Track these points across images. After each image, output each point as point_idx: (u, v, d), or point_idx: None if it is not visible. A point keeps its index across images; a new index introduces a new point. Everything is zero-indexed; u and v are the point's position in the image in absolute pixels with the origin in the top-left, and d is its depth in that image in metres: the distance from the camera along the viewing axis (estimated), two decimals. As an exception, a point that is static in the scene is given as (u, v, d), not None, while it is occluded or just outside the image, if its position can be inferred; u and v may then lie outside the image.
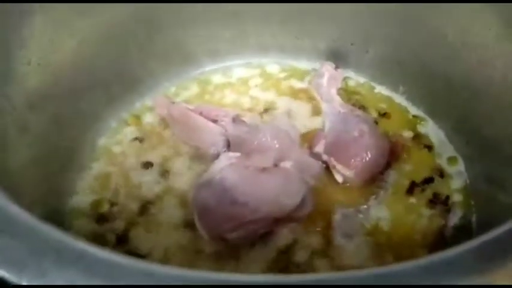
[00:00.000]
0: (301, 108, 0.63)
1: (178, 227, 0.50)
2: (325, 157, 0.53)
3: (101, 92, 0.59)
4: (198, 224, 0.48)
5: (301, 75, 0.68)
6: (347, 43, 0.66)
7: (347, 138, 0.53)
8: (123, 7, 0.56)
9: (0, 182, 0.31)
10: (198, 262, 0.48)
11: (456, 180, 0.55)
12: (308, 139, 0.57)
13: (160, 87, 0.66)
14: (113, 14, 0.56)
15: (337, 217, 0.51)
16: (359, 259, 0.48)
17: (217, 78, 0.68)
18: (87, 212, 0.52)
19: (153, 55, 0.64)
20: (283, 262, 0.47)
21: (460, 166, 0.57)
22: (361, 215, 0.51)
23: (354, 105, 0.61)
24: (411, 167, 0.56)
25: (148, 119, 0.62)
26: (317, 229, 0.50)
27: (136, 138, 0.60)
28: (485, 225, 0.49)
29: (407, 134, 0.60)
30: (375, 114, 0.62)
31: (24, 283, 0.23)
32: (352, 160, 0.51)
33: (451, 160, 0.57)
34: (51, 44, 0.50)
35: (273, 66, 0.70)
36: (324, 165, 0.54)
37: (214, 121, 0.56)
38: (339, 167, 0.52)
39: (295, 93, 0.65)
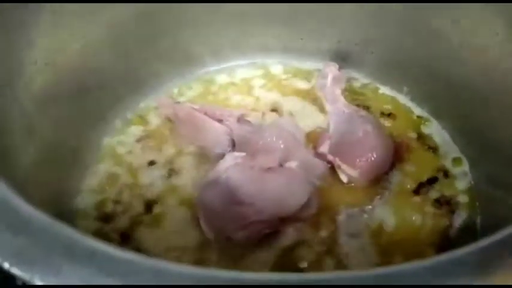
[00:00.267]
0: (305, 109, 0.63)
1: (183, 226, 0.50)
2: (330, 157, 0.53)
3: (106, 92, 0.59)
4: (203, 224, 0.48)
5: (305, 75, 0.68)
6: (351, 44, 0.66)
7: (352, 139, 0.53)
8: (129, 8, 0.57)
9: (10, 182, 0.31)
10: (203, 262, 0.48)
11: (461, 181, 0.55)
12: (312, 139, 0.58)
13: (165, 88, 0.66)
14: (119, 14, 0.56)
15: (342, 217, 0.51)
16: (364, 259, 0.48)
17: (221, 79, 0.68)
18: (91, 211, 0.52)
19: (157, 55, 0.64)
20: (288, 262, 0.47)
21: (465, 167, 0.57)
22: (366, 215, 0.51)
23: (358, 105, 0.61)
24: (415, 168, 0.56)
25: (153, 119, 0.62)
26: (322, 229, 0.50)
27: (141, 138, 0.60)
28: (490, 227, 0.49)
29: (412, 134, 0.60)
30: (379, 115, 0.62)
31: (37, 282, 0.23)
32: (357, 160, 0.51)
33: (456, 161, 0.57)
34: (58, 44, 0.50)
35: (277, 66, 0.70)
36: (329, 166, 0.54)
37: (219, 121, 0.57)
38: (344, 167, 0.52)
39: (299, 94, 0.65)
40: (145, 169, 0.56)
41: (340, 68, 0.64)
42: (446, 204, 0.53)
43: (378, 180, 0.53)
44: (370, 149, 0.52)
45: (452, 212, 0.52)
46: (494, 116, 0.52)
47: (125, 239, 0.50)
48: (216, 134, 0.56)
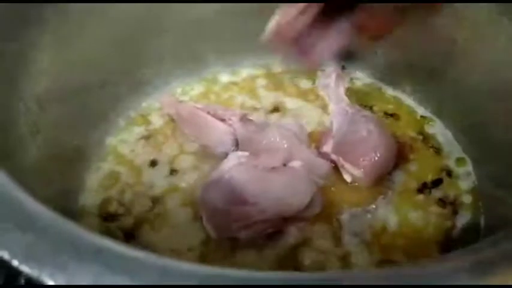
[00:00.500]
0: (309, 108, 0.63)
1: (186, 226, 0.50)
2: (333, 157, 0.53)
3: (109, 91, 0.59)
4: (206, 223, 0.48)
5: (308, 75, 0.68)
6: (354, 44, 0.66)
7: (355, 138, 0.53)
8: (133, 7, 0.57)
9: (15, 180, 0.31)
10: (206, 261, 0.48)
11: (464, 181, 0.55)
12: (316, 139, 0.58)
13: (168, 87, 0.66)
14: (123, 14, 0.56)
15: (345, 216, 0.51)
16: (367, 258, 0.48)
17: (224, 78, 0.68)
18: (95, 210, 0.52)
19: (161, 55, 0.64)
20: (292, 261, 0.47)
21: (468, 167, 0.57)
22: (369, 215, 0.51)
23: (361, 105, 0.61)
24: (418, 168, 0.56)
25: (156, 118, 0.62)
26: (325, 228, 0.50)
27: (143, 137, 0.60)
28: (494, 227, 0.49)
29: (415, 134, 0.60)
30: (382, 115, 0.62)
31: (46, 279, 0.24)
32: (361, 159, 0.51)
33: (459, 161, 0.57)
34: (61, 43, 0.50)
35: (280, 66, 0.69)
36: (332, 165, 0.54)
37: (222, 120, 0.57)
38: (347, 166, 0.52)
39: (302, 93, 0.65)
40: (148, 168, 0.56)
41: (343, 68, 0.64)
42: (449, 204, 0.53)
43: (381, 180, 0.53)
44: (374, 148, 0.52)
45: (455, 212, 0.52)
46: (498, 116, 0.52)
47: (129, 238, 0.50)
48: (219, 133, 0.56)
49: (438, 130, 0.61)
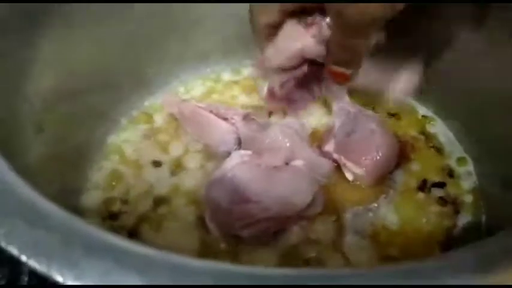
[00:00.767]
0: (311, 107, 0.63)
1: (189, 224, 0.51)
2: (335, 155, 0.54)
3: (112, 90, 0.59)
4: (209, 222, 0.48)
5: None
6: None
7: (357, 137, 0.53)
8: (136, 7, 0.57)
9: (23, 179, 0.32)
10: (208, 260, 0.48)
11: (466, 180, 0.56)
12: (318, 138, 0.58)
13: (171, 86, 0.67)
14: (126, 14, 0.57)
15: (347, 215, 0.51)
16: (368, 257, 0.48)
17: (226, 77, 0.69)
18: (97, 209, 0.52)
19: (164, 54, 0.64)
20: (294, 259, 0.48)
21: (469, 167, 0.57)
22: (371, 214, 0.51)
23: (363, 105, 0.61)
24: (420, 167, 0.56)
25: (159, 117, 0.63)
26: (327, 226, 0.50)
27: (146, 137, 0.60)
28: (495, 226, 0.49)
29: (417, 134, 0.60)
30: (385, 115, 0.62)
31: (55, 275, 0.24)
32: (363, 158, 0.51)
33: (460, 160, 0.57)
34: (66, 43, 0.50)
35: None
36: (334, 164, 0.54)
37: (225, 119, 0.57)
38: (349, 165, 0.52)
39: (304, 93, 0.66)
40: (151, 168, 0.57)
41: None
42: (450, 203, 0.53)
43: (383, 179, 0.54)
44: (376, 147, 0.52)
45: (457, 211, 0.52)
46: (499, 115, 0.52)
47: (132, 237, 0.50)
48: (221, 132, 0.56)
49: (439, 130, 0.61)
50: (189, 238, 0.50)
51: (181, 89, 0.67)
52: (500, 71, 0.51)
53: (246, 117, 0.57)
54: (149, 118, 0.63)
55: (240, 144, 0.55)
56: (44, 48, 0.47)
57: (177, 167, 0.57)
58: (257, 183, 0.47)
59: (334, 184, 0.53)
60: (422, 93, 0.63)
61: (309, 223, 0.50)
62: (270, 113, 0.62)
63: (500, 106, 0.52)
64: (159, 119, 0.62)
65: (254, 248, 0.48)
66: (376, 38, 0.45)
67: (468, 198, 0.54)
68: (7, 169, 0.32)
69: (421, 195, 0.54)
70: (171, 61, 0.66)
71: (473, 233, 0.51)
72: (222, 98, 0.66)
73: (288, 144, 0.52)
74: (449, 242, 0.50)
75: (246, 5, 0.63)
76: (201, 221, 0.50)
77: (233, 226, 0.46)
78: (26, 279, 0.47)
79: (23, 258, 0.25)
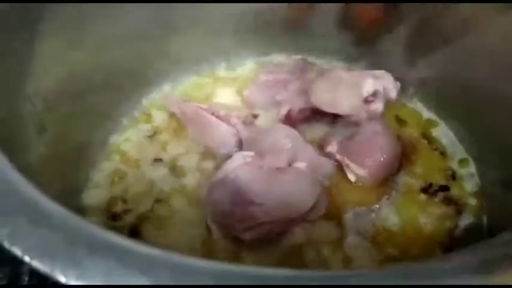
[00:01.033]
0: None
1: (189, 225, 0.51)
2: (338, 156, 0.54)
3: (113, 90, 0.59)
4: (210, 223, 0.48)
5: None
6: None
7: (361, 138, 0.53)
8: (140, 7, 0.57)
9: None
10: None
11: (467, 182, 0.56)
12: (320, 139, 0.58)
13: (171, 86, 0.66)
14: (130, 14, 0.56)
15: (349, 216, 0.51)
16: (370, 258, 0.48)
17: (227, 77, 0.69)
18: (99, 208, 0.52)
19: (165, 55, 0.64)
20: (296, 260, 0.48)
21: (471, 168, 0.57)
22: (373, 215, 0.51)
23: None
24: (422, 169, 0.56)
25: (159, 117, 0.62)
26: (329, 227, 0.50)
27: (147, 137, 0.60)
28: (497, 227, 0.49)
29: (420, 136, 0.60)
30: (387, 117, 0.62)
31: (58, 275, 0.24)
32: (366, 160, 0.52)
33: (462, 162, 0.57)
34: (69, 43, 0.50)
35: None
36: (336, 164, 0.54)
37: (226, 121, 0.57)
38: (352, 166, 0.52)
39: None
40: (151, 168, 0.56)
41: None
42: (452, 205, 0.53)
43: (386, 180, 0.54)
44: (380, 149, 0.52)
45: (458, 212, 0.53)
46: (501, 116, 0.52)
47: (134, 237, 0.50)
48: (222, 134, 0.56)
49: (442, 132, 0.61)
50: (189, 238, 0.50)
51: (182, 90, 0.67)
52: (504, 72, 0.51)
53: (246, 121, 0.57)
54: (150, 118, 0.62)
55: (240, 146, 0.55)
56: (45, 49, 0.47)
57: (178, 167, 0.57)
58: (259, 185, 0.46)
59: (337, 185, 0.53)
60: (421, 94, 0.63)
61: (311, 224, 0.50)
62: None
63: (502, 109, 0.52)
64: (159, 119, 0.62)
65: (255, 250, 0.48)
66: None
67: (470, 200, 0.54)
68: (10, 168, 0.32)
69: (423, 196, 0.54)
70: (171, 61, 0.66)
71: (475, 234, 0.51)
72: (223, 99, 0.66)
73: (290, 145, 0.52)
74: (451, 243, 0.50)
75: (246, 5, 0.64)
76: (201, 222, 0.50)
77: (235, 228, 0.46)
78: (26, 278, 0.48)
79: (27, 258, 0.25)
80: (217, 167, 0.51)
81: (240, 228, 0.46)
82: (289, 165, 0.50)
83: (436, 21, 0.57)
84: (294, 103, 0.58)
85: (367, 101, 0.55)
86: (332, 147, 0.54)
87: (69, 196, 0.51)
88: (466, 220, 0.52)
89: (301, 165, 0.50)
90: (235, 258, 0.48)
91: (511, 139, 0.50)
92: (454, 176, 0.56)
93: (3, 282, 0.47)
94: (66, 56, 0.50)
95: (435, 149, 0.59)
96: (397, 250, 0.49)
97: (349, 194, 0.53)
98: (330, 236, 0.49)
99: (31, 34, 0.46)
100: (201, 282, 0.25)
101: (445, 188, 0.54)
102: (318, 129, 0.60)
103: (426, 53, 0.60)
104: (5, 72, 0.42)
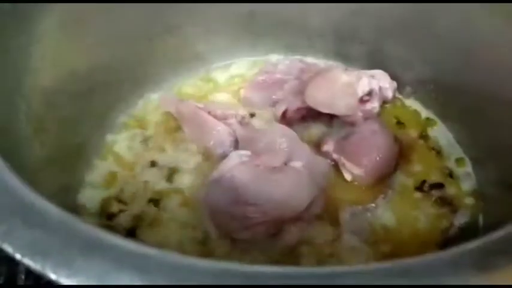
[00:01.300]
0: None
1: (185, 225, 0.51)
2: (335, 156, 0.54)
3: (110, 90, 0.59)
4: (206, 222, 0.48)
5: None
6: (356, 43, 0.66)
7: (357, 138, 0.53)
8: (139, 8, 0.57)
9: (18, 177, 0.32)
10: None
11: (464, 181, 0.56)
12: (316, 138, 0.58)
13: (169, 85, 0.67)
14: (129, 13, 0.57)
15: (345, 215, 0.51)
16: (366, 257, 0.48)
17: (224, 77, 0.69)
18: (94, 209, 0.52)
19: (163, 54, 0.64)
20: (291, 259, 0.48)
21: (468, 168, 0.57)
22: (369, 214, 0.51)
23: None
24: (419, 168, 0.56)
25: (156, 117, 0.62)
26: (325, 227, 0.50)
27: (143, 137, 0.60)
28: (492, 227, 0.49)
29: (416, 135, 0.60)
30: (384, 116, 0.62)
31: (49, 273, 0.24)
32: (363, 159, 0.52)
33: (459, 161, 0.57)
34: (66, 42, 0.50)
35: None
36: (332, 164, 0.54)
37: (222, 120, 0.57)
38: (348, 165, 0.52)
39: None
40: (147, 168, 0.56)
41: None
42: (448, 204, 0.53)
43: (382, 179, 0.54)
44: (376, 148, 0.52)
45: (454, 211, 0.53)
46: (498, 116, 0.52)
47: (130, 237, 0.50)
48: (218, 133, 0.56)
49: (439, 131, 0.61)
50: (185, 239, 0.49)
51: (180, 89, 0.67)
52: (503, 74, 0.51)
53: (242, 122, 0.57)
54: (147, 118, 0.62)
55: (237, 146, 0.55)
56: (44, 48, 0.47)
57: (174, 167, 0.56)
58: (256, 185, 0.46)
59: (333, 184, 0.53)
60: (419, 93, 0.63)
61: (306, 223, 0.49)
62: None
63: (499, 108, 0.52)
64: (156, 119, 0.62)
65: (251, 249, 0.48)
66: None
67: (466, 199, 0.54)
68: (4, 168, 0.32)
69: (419, 195, 0.54)
70: (171, 61, 0.66)
71: (471, 233, 0.51)
72: (220, 98, 0.66)
73: (286, 145, 0.52)
74: (446, 242, 0.50)
75: (246, 5, 0.64)
76: (197, 222, 0.50)
77: (231, 228, 0.46)
78: (23, 277, 0.48)
79: (18, 256, 0.25)
80: (214, 167, 0.51)
81: (236, 228, 0.46)
82: (286, 164, 0.50)
83: (434, 21, 0.57)
84: (290, 103, 0.59)
85: (362, 100, 0.55)
86: (328, 147, 0.54)
87: (65, 196, 0.51)
88: (462, 219, 0.52)
89: (297, 164, 0.50)
90: (232, 258, 0.48)
91: (508, 139, 0.50)
92: (450, 175, 0.56)
93: (0, 281, 0.47)
94: (64, 56, 0.51)
95: (432, 149, 0.59)
96: (392, 249, 0.49)
97: (345, 193, 0.53)
98: (325, 235, 0.49)
99: (30, 34, 0.46)
100: (197, 282, 0.25)
101: (439, 186, 0.54)
102: (315, 129, 0.60)
103: (423, 52, 0.61)
104: (3, 71, 0.42)
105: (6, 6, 0.44)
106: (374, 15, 0.62)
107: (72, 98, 0.52)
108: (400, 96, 0.65)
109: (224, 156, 0.52)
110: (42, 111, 0.47)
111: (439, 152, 0.58)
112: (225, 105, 0.63)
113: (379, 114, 0.59)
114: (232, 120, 0.57)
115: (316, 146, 0.56)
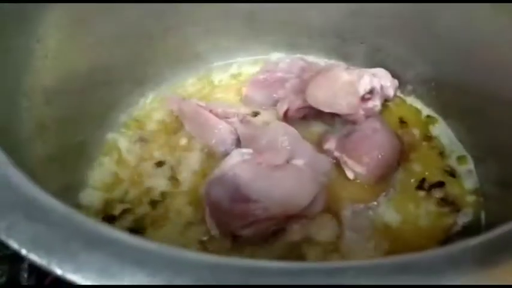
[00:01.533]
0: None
1: (188, 224, 0.51)
2: (336, 153, 0.54)
3: (111, 88, 0.59)
4: (208, 220, 0.48)
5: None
6: (357, 42, 0.66)
7: (359, 135, 0.53)
8: (139, 7, 0.57)
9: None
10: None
11: (466, 179, 0.56)
12: (318, 136, 0.58)
13: (170, 84, 0.67)
14: (129, 13, 0.57)
15: (347, 213, 0.51)
16: (368, 254, 0.48)
17: (225, 76, 0.69)
18: (97, 208, 0.52)
19: (164, 53, 0.65)
20: (293, 257, 0.48)
21: (470, 166, 0.57)
22: (370, 212, 0.51)
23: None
24: (421, 166, 0.56)
25: (158, 116, 0.63)
26: (327, 224, 0.50)
27: (145, 136, 0.60)
28: (494, 225, 0.49)
29: (418, 133, 0.60)
30: (386, 114, 0.62)
31: (55, 268, 0.24)
32: (364, 157, 0.52)
33: (461, 159, 0.57)
34: (68, 40, 0.50)
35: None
36: (334, 161, 0.54)
37: (224, 119, 0.57)
38: (350, 163, 0.52)
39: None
40: (149, 167, 0.57)
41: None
42: (450, 202, 0.53)
43: (384, 177, 0.54)
44: (379, 146, 0.52)
45: (457, 210, 0.53)
46: (499, 115, 0.52)
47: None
48: (220, 132, 0.56)
49: (441, 129, 0.61)
50: (187, 237, 0.50)
51: (181, 88, 0.67)
52: (504, 73, 0.51)
53: (243, 120, 0.57)
54: (149, 117, 0.63)
55: (238, 144, 0.55)
56: (45, 48, 0.47)
57: (175, 166, 0.56)
58: (258, 183, 0.46)
59: (335, 182, 0.53)
60: (420, 92, 0.63)
61: (308, 221, 0.49)
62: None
63: (501, 107, 0.52)
64: (158, 117, 0.63)
65: (253, 247, 0.48)
66: None
67: (468, 198, 0.54)
68: (8, 164, 0.32)
69: (421, 194, 0.54)
70: (171, 60, 0.66)
71: (473, 232, 0.50)
72: (221, 97, 0.66)
73: (288, 143, 0.52)
74: (449, 240, 0.49)
75: (246, 5, 0.64)
76: (199, 221, 0.50)
77: (233, 225, 0.46)
78: (25, 275, 0.48)
79: (23, 251, 0.25)
80: (216, 165, 0.51)
81: (238, 225, 0.46)
82: (287, 162, 0.50)
83: (435, 20, 0.57)
84: (292, 101, 0.59)
85: (364, 98, 0.55)
86: (330, 145, 0.54)
87: (67, 194, 0.51)
88: (464, 217, 0.52)
89: (299, 162, 0.50)
90: (234, 255, 0.47)
91: (508, 139, 0.50)
92: (452, 174, 0.56)
93: (3, 279, 0.48)
94: (65, 56, 0.51)
95: (434, 147, 0.59)
96: (394, 247, 0.49)
97: (346, 191, 0.53)
98: (327, 232, 0.49)
99: (30, 34, 0.46)
100: (197, 276, 0.25)
101: (440, 184, 0.54)
102: (316, 127, 0.60)
103: (424, 52, 0.61)
104: (4, 70, 0.42)
105: (6, 6, 0.44)
106: (374, 15, 0.62)
107: (73, 97, 0.52)
108: (401, 95, 0.65)
109: (226, 154, 0.52)
110: (43, 111, 0.47)
111: (440, 150, 0.58)
112: (227, 103, 0.63)
113: (380, 113, 0.59)
114: (234, 119, 0.57)
115: (318, 144, 0.56)
